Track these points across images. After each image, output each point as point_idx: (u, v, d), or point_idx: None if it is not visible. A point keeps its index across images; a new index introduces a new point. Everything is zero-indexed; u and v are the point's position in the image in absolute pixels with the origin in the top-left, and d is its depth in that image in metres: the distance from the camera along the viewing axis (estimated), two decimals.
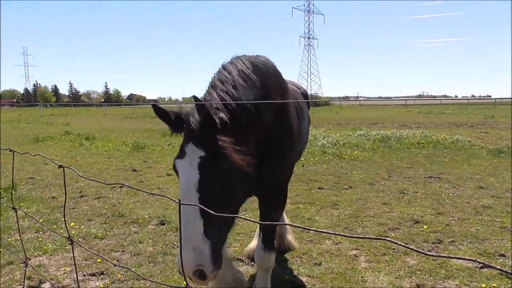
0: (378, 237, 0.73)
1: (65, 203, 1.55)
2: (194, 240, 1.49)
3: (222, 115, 1.65)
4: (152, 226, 4.50)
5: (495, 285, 2.96)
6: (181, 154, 1.63)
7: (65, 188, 1.46)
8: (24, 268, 1.98)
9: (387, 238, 0.72)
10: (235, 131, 1.68)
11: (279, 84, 2.32)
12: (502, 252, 3.59)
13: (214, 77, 1.95)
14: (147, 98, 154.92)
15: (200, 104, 1.55)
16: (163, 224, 4.55)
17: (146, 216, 4.85)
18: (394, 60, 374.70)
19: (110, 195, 5.92)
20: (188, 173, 1.55)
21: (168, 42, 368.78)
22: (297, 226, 0.94)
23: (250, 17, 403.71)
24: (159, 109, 1.70)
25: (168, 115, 1.70)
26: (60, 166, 1.42)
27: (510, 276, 3.09)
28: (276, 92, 2.17)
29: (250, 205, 4.83)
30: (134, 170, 7.98)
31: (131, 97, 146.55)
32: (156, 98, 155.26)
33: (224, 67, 2.01)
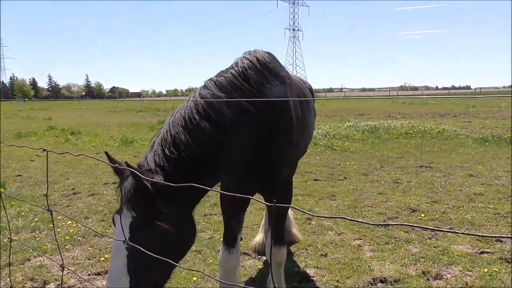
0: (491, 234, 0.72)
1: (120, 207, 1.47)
2: None
3: (157, 179, 1.63)
4: None
5: (496, 269, 3.07)
6: (119, 210, 1.68)
7: (121, 190, 1.40)
8: (61, 273, 1.91)
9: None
10: (178, 189, 1.56)
11: (273, 89, 2.13)
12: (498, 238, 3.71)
13: (157, 133, 1.88)
14: (130, 91, 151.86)
15: (131, 172, 1.56)
16: None
17: None
18: (377, 52, 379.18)
19: (104, 192, 5.81)
20: (120, 230, 1.61)
21: (151, 33, 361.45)
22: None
23: (236, 8, 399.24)
24: (109, 157, 1.72)
25: (116, 167, 1.71)
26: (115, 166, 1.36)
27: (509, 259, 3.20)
28: (248, 118, 1.94)
29: None
30: None
31: (113, 90, 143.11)
32: (139, 91, 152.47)
33: (172, 116, 1.90)
